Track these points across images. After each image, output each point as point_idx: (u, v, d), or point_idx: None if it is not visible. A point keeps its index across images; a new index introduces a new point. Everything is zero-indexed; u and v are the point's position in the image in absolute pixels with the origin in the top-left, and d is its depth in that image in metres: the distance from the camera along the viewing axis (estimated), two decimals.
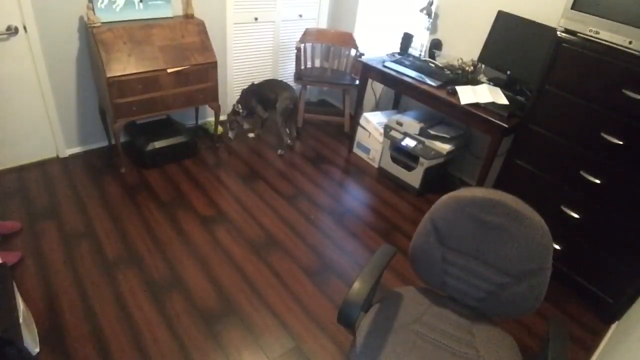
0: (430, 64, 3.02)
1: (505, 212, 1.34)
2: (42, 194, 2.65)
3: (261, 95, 3.29)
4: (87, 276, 2.14)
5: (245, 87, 3.42)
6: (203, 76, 2.88)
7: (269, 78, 3.42)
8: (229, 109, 3.78)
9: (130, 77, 2.57)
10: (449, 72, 2.89)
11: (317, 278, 2.30)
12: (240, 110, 3.28)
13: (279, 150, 3.40)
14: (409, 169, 3.04)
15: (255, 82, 3.37)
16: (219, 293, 2.14)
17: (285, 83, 3.32)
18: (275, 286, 2.22)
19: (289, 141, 3.43)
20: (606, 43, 1.92)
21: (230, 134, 3.47)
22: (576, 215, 2.20)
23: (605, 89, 1.95)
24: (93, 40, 2.53)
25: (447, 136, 2.90)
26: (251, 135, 3.44)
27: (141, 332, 1.90)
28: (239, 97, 3.41)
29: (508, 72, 2.66)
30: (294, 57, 3.65)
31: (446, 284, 1.53)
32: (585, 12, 1.95)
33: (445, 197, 1.45)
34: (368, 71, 3.11)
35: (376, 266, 1.43)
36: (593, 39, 1.96)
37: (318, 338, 1.98)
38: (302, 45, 3.63)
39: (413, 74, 2.84)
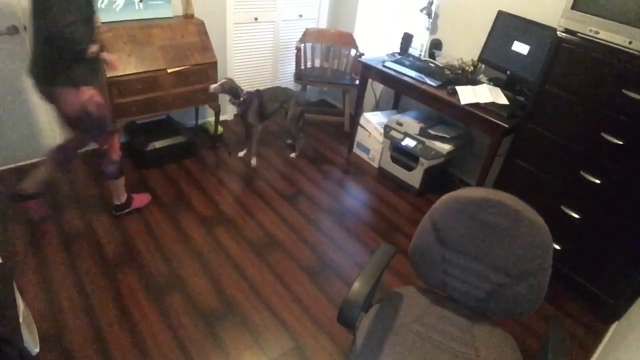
0: (430, 64, 3.02)
1: (505, 212, 1.34)
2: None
3: (262, 103, 3.07)
4: (87, 276, 2.14)
5: (249, 89, 3.22)
6: (203, 76, 2.88)
7: (272, 86, 3.22)
8: (229, 109, 3.78)
9: (130, 77, 2.57)
10: (449, 72, 2.89)
11: (317, 278, 2.30)
12: (235, 102, 3.01)
13: (292, 154, 3.36)
14: (409, 169, 3.04)
15: (261, 89, 3.14)
16: (219, 293, 2.14)
17: (289, 90, 3.19)
18: (275, 286, 2.22)
19: (303, 142, 3.38)
20: (606, 43, 1.92)
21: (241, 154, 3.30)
22: (576, 215, 2.20)
23: (605, 89, 1.95)
24: None
25: (447, 136, 2.90)
26: (241, 154, 3.28)
27: (141, 332, 1.90)
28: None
29: (508, 72, 2.66)
30: (294, 57, 3.65)
31: (446, 284, 1.53)
32: (585, 12, 1.95)
33: (445, 197, 1.45)
34: (368, 71, 3.11)
35: (376, 266, 1.43)
36: (593, 39, 1.96)
37: (318, 338, 1.98)
38: (302, 45, 3.63)
39: (413, 74, 2.84)
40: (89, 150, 2.83)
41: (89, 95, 1.95)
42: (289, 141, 3.53)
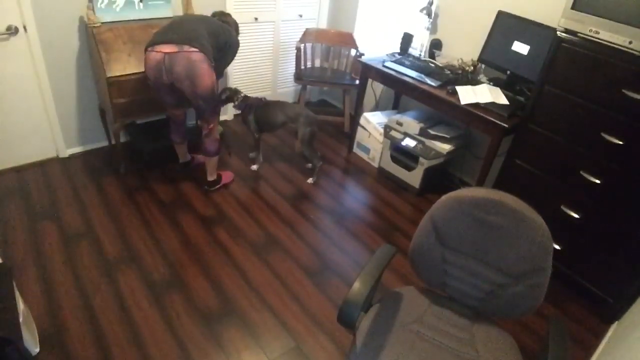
0: (430, 64, 3.02)
1: (505, 212, 1.34)
2: (42, 194, 2.65)
3: (262, 112, 2.91)
4: (87, 276, 2.14)
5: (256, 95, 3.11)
6: None
7: (283, 101, 3.00)
8: (230, 109, 3.78)
9: (130, 77, 2.57)
10: (449, 72, 2.89)
11: (317, 278, 2.30)
12: (235, 103, 2.94)
13: (310, 179, 3.08)
14: (409, 169, 3.04)
15: (268, 100, 2.99)
16: (219, 293, 2.14)
17: (299, 107, 2.93)
18: (275, 286, 2.22)
19: (320, 164, 3.09)
20: (606, 43, 1.92)
21: (254, 167, 3.17)
22: (576, 215, 2.20)
23: (605, 89, 1.95)
24: (93, 41, 2.53)
25: (447, 136, 2.90)
26: (254, 167, 3.16)
27: (141, 332, 1.90)
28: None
29: (508, 72, 2.66)
30: (294, 57, 3.65)
31: (446, 284, 1.53)
32: (585, 12, 1.95)
33: (445, 197, 1.45)
34: (368, 71, 3.11)
35: (376, 266, 1.43)
36: (593, 39, 1.96)
37: (318, 338, 1.98)
38: (302, 45, 3.63)
39: (413, 74, 2.84)
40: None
41: (215, 77, 2.43)
42: (309, 165, 3.27)
